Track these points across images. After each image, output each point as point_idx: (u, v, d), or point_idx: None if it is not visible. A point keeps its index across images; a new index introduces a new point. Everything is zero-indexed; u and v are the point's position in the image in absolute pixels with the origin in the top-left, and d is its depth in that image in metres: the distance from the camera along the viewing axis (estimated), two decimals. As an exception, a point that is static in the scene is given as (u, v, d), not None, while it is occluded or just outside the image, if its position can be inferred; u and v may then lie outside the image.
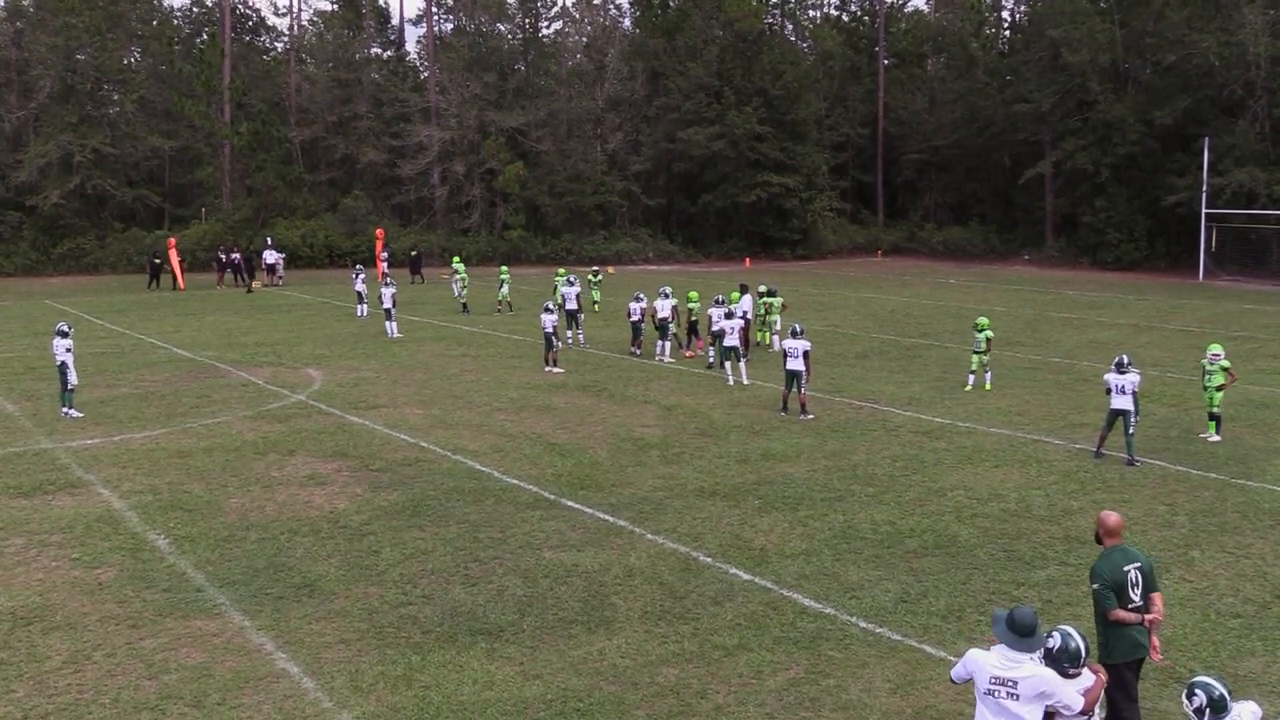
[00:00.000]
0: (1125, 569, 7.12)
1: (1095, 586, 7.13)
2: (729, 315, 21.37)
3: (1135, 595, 7.11)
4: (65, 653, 9.00)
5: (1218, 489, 13.86)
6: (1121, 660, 7.09)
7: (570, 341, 26.51)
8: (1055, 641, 5.96)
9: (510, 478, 14.34)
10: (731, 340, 21.14)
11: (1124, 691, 7.10)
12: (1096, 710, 6.11)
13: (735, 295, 24.26)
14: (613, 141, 58.65)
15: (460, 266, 35.92)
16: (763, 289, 26.60)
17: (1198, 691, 5.50)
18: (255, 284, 42.43)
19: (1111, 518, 7.29)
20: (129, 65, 54.95)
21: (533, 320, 29.88)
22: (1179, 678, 8.51)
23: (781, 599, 10.14)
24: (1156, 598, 7.20)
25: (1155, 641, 7.23)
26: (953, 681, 6.17)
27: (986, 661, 5.89)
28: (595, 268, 38.89)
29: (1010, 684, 5.78)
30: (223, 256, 44.48)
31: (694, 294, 26.03)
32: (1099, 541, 7.34)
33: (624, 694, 8.28)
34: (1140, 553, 7.35)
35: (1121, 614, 7.04)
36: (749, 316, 24.55)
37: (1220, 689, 5.47)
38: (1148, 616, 7.12)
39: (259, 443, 16.23)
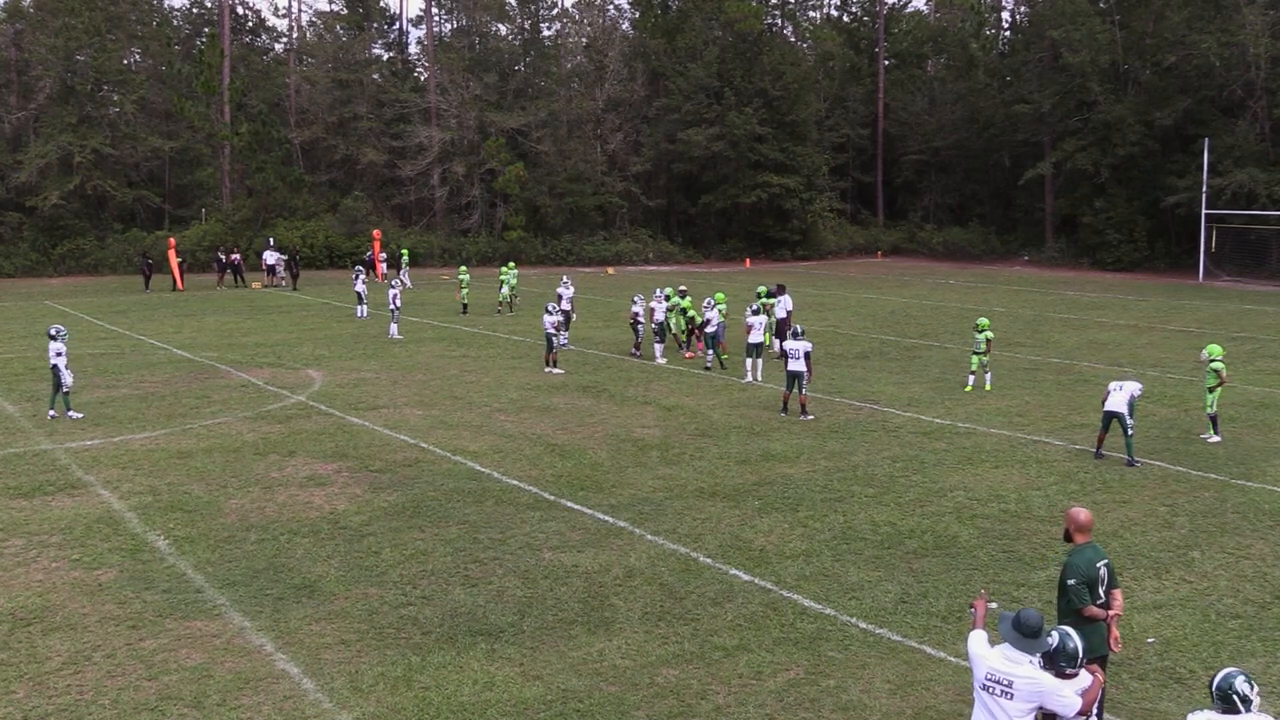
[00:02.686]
0: (1098, 566, 7.25)
1: (1071, 582, 7.20)
2: (755, 313, 21.74)
3: (1102, 592, 7.27)
4: (65, 654, 9.00)
5: (1217, 490, 13.86)
6: (1090, 655, 7.23)
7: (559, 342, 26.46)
8: (1053, 641, 5.99)
9: (510, 479, 14.34)
10: (756, 337, 21.44)
11: None
12: (1094, 710, 6.12)
13: (719, 296, 24.43)
14: (613, 142, 58.64)
15: (405, 260, 38.03)
16: (761, 289, 26.73)
17: (1219, 678, 5.56)
18: (295, 281, 43.28)
19: (1082, 514, 7.37)
20: (129, 66, 54.95)
21: (532, 321, 29.89)
22: (1179, 678, 8.54)
23: (781, 600, 10.14)
24: (1117, 594, 7.38)
25: (1115, 634, 7.38)
26: (968, 646, 6.15)
27: (987, 655, 5.91)
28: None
29: (1006, 683, 5.79)
30: (222, 257, 44.52)
31: (687, 301, 26.27)
32: (1068, 539, 7.43)
33: (624, 695, 8.28)
34: (1103, 550, 7.46)
35: (1094, 610, 7.18)
36: (790, 312, 25.06)
37: (1223, 683, 5.50)
38: (1111, 612, 7.26)
39: (259, 444, 16.22)
